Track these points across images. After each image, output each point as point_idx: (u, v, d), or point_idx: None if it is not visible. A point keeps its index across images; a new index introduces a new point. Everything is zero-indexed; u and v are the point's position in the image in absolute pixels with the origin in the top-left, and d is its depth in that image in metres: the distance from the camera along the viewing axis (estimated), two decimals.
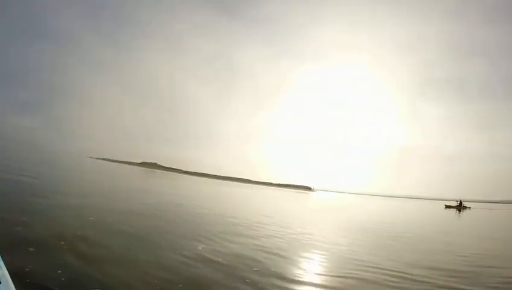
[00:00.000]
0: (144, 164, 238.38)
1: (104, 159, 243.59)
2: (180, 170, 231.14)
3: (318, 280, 6.42)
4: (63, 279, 4.61)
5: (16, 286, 2.24)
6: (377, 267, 7.58)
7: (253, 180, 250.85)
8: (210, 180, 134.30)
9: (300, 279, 6.26)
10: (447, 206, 58.64)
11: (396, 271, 7.30)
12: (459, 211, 50.88)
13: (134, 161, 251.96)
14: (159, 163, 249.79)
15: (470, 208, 58.23)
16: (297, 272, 6.77)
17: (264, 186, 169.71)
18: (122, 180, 35.36)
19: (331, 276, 6.64)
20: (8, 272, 2.30)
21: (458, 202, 58.53)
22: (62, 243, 6.06)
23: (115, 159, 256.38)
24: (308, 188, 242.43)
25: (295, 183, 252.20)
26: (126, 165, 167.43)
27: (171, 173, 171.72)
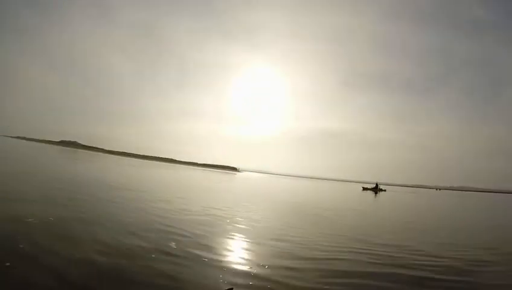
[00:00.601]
0: (63, 143, 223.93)
1: (18, 137, 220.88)
2: (103, 149, 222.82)
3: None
4: None
5: None
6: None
7: (177, 159, 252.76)
8: (135, 160, 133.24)
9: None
10: (364, 189, 62.51)
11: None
12: (375, 193, 53.03)
13: (53, 140, 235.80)
14: (79, 141, 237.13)
15: (385, 190, 60.68)
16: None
17: (191, 167, 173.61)
18: (50, 165, 31.11)
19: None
20: None
21: (374, 185, 61.33)
22: None
23: (30, 137, 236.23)
24: (234, 169, 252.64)
25: (221, 164, 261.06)
26: (44, 145, 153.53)
27: (94, 152, 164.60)
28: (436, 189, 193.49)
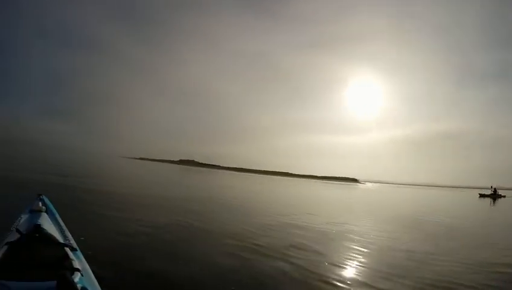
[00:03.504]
0: (181, 162, 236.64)
1: (141, 158, 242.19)
2: (219, 166, 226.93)
3: None
4: None
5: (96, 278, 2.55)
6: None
7: (294, 173, 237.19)
8: (255, 175, 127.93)
9: None
10: (482, 195, 57.44)
11: None
12: (494, 199, 48.99)
13: (172, 159, 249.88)
14: (196, 160, 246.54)
15: (504, 196, 55.04)
16: None
17: (311, 180, 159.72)
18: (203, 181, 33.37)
19: None
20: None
21: (492, 190, 56.52)
22: None
23: (152, 158, 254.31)
24: (355, 180, 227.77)
25: (340, 176, 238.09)
26: (166, 164, 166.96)
27: (212, 169, 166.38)
28: None
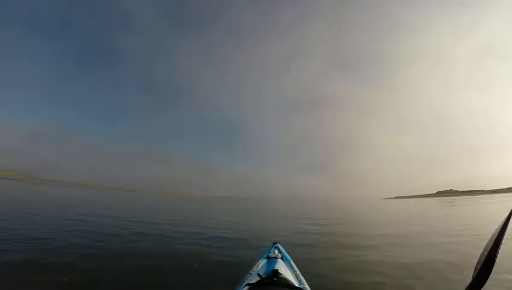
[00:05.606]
0: (439, 193, 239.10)
1: (396, 197, 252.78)
2: (483, 191, 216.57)
3: None
4: None
5: None
6: None
7: None
8: None
9: None
10: None
11: None
12: None
13: (429, 193, 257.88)
14: (455, 189, 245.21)
15: None
16: None
17: None
18: None
19: None
20: None
21: None
22: None
23: (407, 195, 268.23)
24: None
25: None
26: (424, 199, 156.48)
27: (477, 196, 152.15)
28: None
